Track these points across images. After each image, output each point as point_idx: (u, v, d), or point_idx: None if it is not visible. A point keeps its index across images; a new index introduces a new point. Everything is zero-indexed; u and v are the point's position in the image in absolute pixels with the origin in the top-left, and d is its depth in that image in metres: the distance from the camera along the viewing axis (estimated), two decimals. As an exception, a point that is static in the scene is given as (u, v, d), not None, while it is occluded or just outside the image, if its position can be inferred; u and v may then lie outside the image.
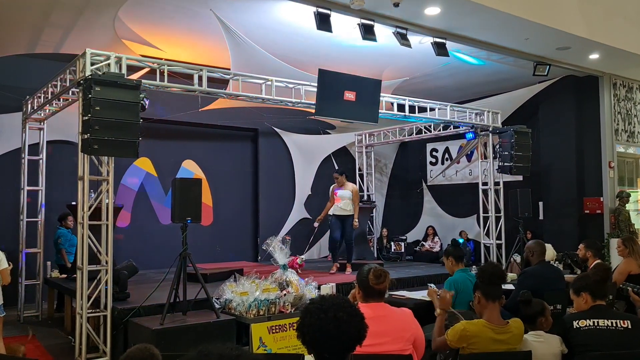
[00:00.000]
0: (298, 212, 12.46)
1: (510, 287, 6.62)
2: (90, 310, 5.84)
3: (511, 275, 7.89)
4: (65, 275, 8.30)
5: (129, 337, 5.82)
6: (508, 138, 9.65)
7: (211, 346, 1.06)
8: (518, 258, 9.46)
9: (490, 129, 10.12)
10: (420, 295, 5.93)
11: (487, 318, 3.54)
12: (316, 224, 9.51)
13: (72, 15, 7.34)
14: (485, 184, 10.36)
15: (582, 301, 3.73)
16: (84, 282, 5.81)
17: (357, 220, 8.92)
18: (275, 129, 12.16)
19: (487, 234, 10.24)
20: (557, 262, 7.52)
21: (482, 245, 10.36)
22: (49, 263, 8.67)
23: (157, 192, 10.84)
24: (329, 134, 12.89)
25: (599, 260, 6.22)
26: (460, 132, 10.67)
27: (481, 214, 10.34)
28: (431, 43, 8.27)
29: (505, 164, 9.66)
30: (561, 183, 11.15)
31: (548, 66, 9.54)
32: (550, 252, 7.19)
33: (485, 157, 10.46)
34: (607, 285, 3.82)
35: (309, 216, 12.53)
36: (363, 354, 2.48)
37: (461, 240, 10.88)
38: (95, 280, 5.94)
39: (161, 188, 10.86)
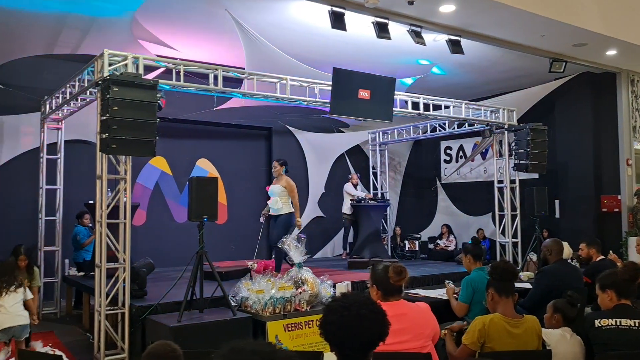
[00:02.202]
0: (312, 211, 12.48)
1: (526, 285, 6.61)
2: (109, 308, 5.90)
3: (528, 274, 7.86)
4: (83, 273, 8.41)
5: (147, 334, 5.87)
6: (524, 136, 9.59)
7: (243, 342, 1.07)
8: (534, 257, 9.39)
9: (506, 127, 10.06)
10: (437, 293, 5.92)
11: (501, 312, 3.55)
12: (262, 219, 8.67)
13: (89, 16, 7.41)
14: (500, 182, 10.30)
15: (606, 298, 3.70)
16: (102, 280, 5.88)
17: (299, 220, 8.07)
18: (289, 127, 12.19)
19: (503, 233, 10.18)
20: (574, 260, 7.46)
21: (497, 244, 10.30)
22: (67, 261, 8.77)
23: (172, 190, 10.92)
24: (343, 132, 12.89)
25: (602, 257, 6.19)
26: (475, 129, 10.62)
27: (497, 212, 10.28)
28: (446, 41, 8.25)
29: (521, 161, 9.60)
30: (578, 181, 11.05)
31: (564, 63, 9.46)
32: (567, 250, 7.14)
33: (501, 155, 10.40)
34: (634, 285, 3.76)
35: (322, 214, 12.56)
36: (384, 352, 2.49)
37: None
38: (113, 278, 6.01)
39: (176, 187, 10.94)
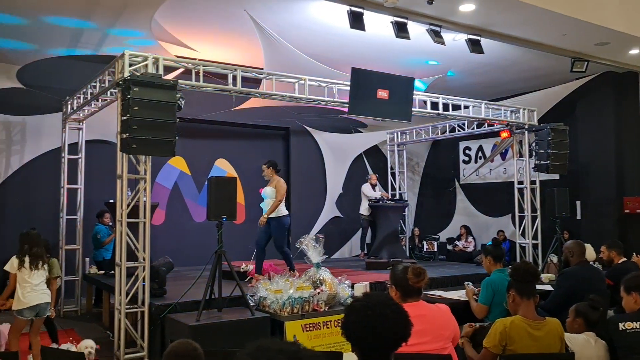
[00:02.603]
0: (329, 211, 12.49)
1: (547, 287, 6.53)
2: (129, 306, 5.96)
3: (549, 276, 7.76)
4: (103, 272, 8.50)
5: (166, 332, 5.92)
6: (544, 136, 9.48)
7: (269, 341, 1.07)
8: (555, 258, 9.28)
9: (526, 127, 9.95)
10: (456, 294, 5.86)
11: (522, 314, 3.51)
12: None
13: (111, 17, 7.49)
14: (520, 182, 10.19)
15: (631, 300, 3.64)
16: (123, 279, 5.93)
17: (264, 217, 7.59)
18: (307, 127, 12.21)
19: (523, 234, 10.07)
20: (596, 263, 7.34)
21: (517, 245, 10.18)
22: (87, 259, 8.88)
23: (191, 190, 11.00)
24: (361, 132, 12.87)
25: (624, 259, 6.09)
26: (495, 130, 10.52)
27: (516, 214, 10.18)
28: (465, 40, 8.17)
29: (542, 162, 9.49)
30: (600, 182, 10.88)
31: (586, 62, 9.31)
32: (590, 252, 7.04)
33: (521, 156, 10.29)
34: None
35: (340, 215, 12.56)
36: (405, 353, 2.47)
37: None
38: (133, 277, 6.06)
39: (195, 186, 11.01)
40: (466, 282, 5.70)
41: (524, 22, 7.88)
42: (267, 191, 7.73)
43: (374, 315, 2.04)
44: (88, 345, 5.57)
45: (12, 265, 5.33)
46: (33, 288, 5.33)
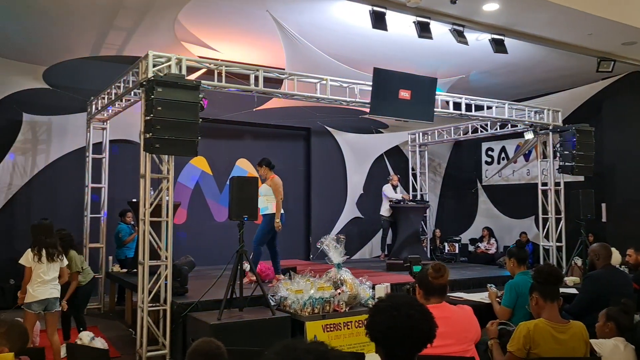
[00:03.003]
0: (350, 212, 12.46)
1: (572, 291, 6.42)
2: (151, 304, 6.01)
3: (573, 279, 7.64)
4: (125, 270, 8.59)
5: (188, 331, 5.95)
6: (570, 137, 9.33)
7: (296, 341, 1.06)
8: (579, 261, 9.12)
9: (551, 128, 9.81)
10: (479, 297, 5.80)
11: (546, 317, 3.46)
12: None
13: (135, 18, 7.58)
14: (544, 184, 10.05)
15: None
16: (145, 277, 5.98)
17: (277, 221, 7.56)
18: (328, 128, 12.20)
19: (547, 236, 9.93)
20: (622, 266, 7.20)
21: (541, 248, 10.04)
22: (110, 257, 8.99)
23: (212, 190, 11.07)
24: (382, 133, 12.82)
25: None
26: (519, 130, 10.39)
27: (540, 216, 10.03)
28: (489, 40, 8.10)
29: (567, 163, 9.34)
30: (626, 184, 10.67)
31: (613, 62, 9.15)
32: (616, 255, 6.91)
33: (545, 157, 10.14)
34: None
35: (361, 215, 12.52)
36: (428, 354, 2.45)
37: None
38: (156, 275, 6.11)
39: (216, 186, 11.09)
40: (489, 285, 5.65)
41: (549, 22, 7.77)
42: (262, 189, 7.59)
43: (399, 316, 2.03)
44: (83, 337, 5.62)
45: (27, 258, 5.34)
46: (44, 282, 5.35)
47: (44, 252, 5.37)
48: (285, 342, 1.09)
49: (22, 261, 5.36)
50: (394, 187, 11.33)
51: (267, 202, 7.63)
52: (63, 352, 5.49)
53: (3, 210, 9.04)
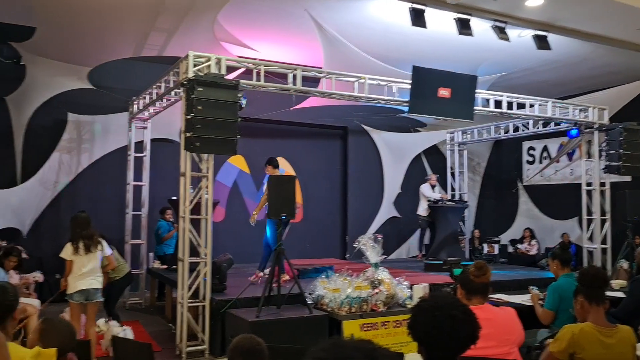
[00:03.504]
0: (387, 211, 12.39)
1: (618, 294, 6.21)
2: (191, 300, 6.10)
3: (620, 282, 7.38)
4: (165, 266, 8.75)
5: (227, 327, 6.03)
6: (616, 136, 9.04)
7: (344, 339, 1.05)
8: (626, 264, 8.83)
9: (596, 126, 9.53)
10: (520, 299, 5.67)
11: (592, 321, 3.34)
12: (253, 223, 7.75)
13: (176, 19, 7.71)
14: (589, 184, 9.77)
15: None
16: (185, 273, 6.08)
17: (254, 214, 7.57)
18: (365, 126, 12.15)
19: (591, 238, 9.64)
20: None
21: (584, 250, 9.77)
22: (151, 254, 9.18)
23: (250, 188, 11.17)
24: (420, 131, 12.69)
25: None
26: (562, 129, 10.13)
27: (584, 217, 9.75)
28: (532, 36, 7.93)
29: (613, 163, 9.05)
30: (676, 184, 10.28)
31: (662, 58, 8.83)
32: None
33: (590, 156, 9.85)
34: None
35: (398, 215, 12.43)
36: (470, 356, 2.41)
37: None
38: (195, 272, 6.20)
39: (253, 185, 11.17)
40: (531, 287, 5.51)
41: (595, 16, 7.55)
42: (265, 187, 7.34)
43: (442, 316, 2.01)
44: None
45: (66, 252, 5.48)
46: (83, 274, 5.46)
47: (81, 244, 5.49)
48: (332, 340, 1.08)
49: (62, 255, 5.52)
50: (432, 187, 11.20)
51: None
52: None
53: (49, 207, 9.32)
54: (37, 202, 9.16)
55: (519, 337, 3.12)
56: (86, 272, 5.49)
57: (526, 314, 5.01)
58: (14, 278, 6.83)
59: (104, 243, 5.76)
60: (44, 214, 9.26)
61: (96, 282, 5.59)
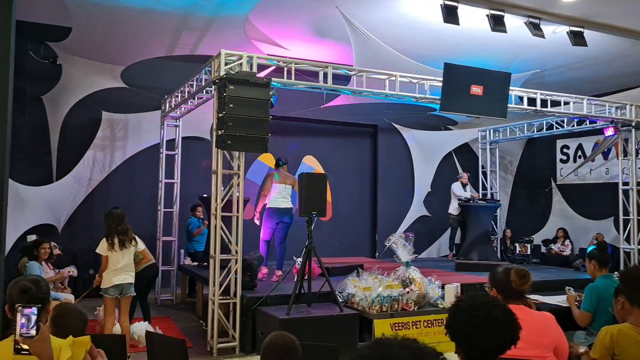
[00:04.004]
0: (417, 210, 12.29)
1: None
2: (222, 297, 6.14)
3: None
4: (196, 263, 8.84)
5: (257, 324, 6.05)
6: (655, 134, 8.79)
7: (388, 338, 1.04)
8: (664, 266, 8.58)
9: (634, 124, 9.27)
10: (556, 300, 5.56)
11: (632, 322, 3.25)
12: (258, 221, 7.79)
13: (207, 18, 7.77)
14: (626, 183, 9.52)
15: None
16: (217, 270, 6.12)
17: (256, 213, 7.73)
18: (395, 125, 12.07)
19: (627, 239, 9.40)
20: None
21: (621, 251, 9.52)
22: (182, 251, 9.28)
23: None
24: (451, 130, 12.54)
25: None
26: (597, 127, 9.89)
27: (620, 217, 9.52)
28: (567, 32, 7.75)
29: (651, 162, 8.80)
30: None
31: None
32: None
33: (626, 155, 9.60)
34: None
35: (428, 214, 12.32)
36: (506, 358, 2.37)
37: (591, 247, 10.01)
38: (226, 269, 6.24)
39: (283, 183, 11.17)
40: (567, 287, 5.40)
41: (632, 12, 7.35)
42: (288, 187, 7.73)
43: (481, 316, 1.97)
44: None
45: (102, 247, 5.58)
46: (118, 269, 5.56)
47: (116, 240, 5.59)
48: (378, 338, 1.07)
49: (98, 250, 5.62)
50: (464, 186, 11.07)
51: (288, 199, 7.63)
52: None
53: (83, 203, 9.50)
54: (72, 198, 9.35)
55: (553, 342, 3.00)
56: (121, 267, 5.58)
57: (563, 316, 4.92)
58: (49, 272, 7.01)
59: (138, 238, 5.85)
60: (78, 211, 9.44)
61: (130, 277, 5.68)
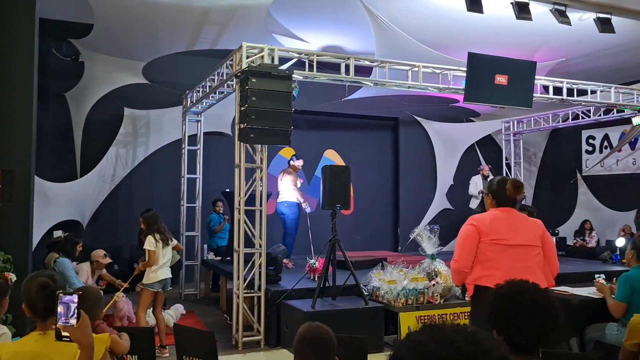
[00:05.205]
0: (439, 203, 12.18)
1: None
2: (246, 291, 6.14)
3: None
4: (219, 258, 8.86)
5: (282, 318, 6.03)
6: (685, 122, 8.56)
7: (439, 324, 0.99)
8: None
9: (663, 113, 9.05)
10: (586, 291, 5.44)
11: None
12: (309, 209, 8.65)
13: (228, 12, 7.74)
14: (654, 174, 9.31)
15: None
16: (241, 264, 6.11)
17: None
18: (417, 117, 11.96)
19: (657, 230, 9.19)
20: None
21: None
22: (205, 245, 9.31)
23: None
24: (473, 121, 12.39)
25: None
26: (625, 116, 9.67)
27: (649, 208, 9.31)
28: (593, 19, 7.56)
29: (681, 151, 8.58)
30: None
31: None
32: None
33: (655, 144, 9.39)
34: None
35: (450, 207, 12.19)
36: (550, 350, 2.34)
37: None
38: (250, 263, 6.23)
39: (304, 177, 11.15)
40: (597, 275, 5.27)
41: (664, -4, 7.14)
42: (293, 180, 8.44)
43: (524, 302, 1.93)
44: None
45: (149, 243, 5.71)
46: (162, 264, 5.72)
47: (159, 237, 5.74)
48: (427, 324, 1.02)
49: (146, 246, 5.74)
50: (485, 178, 10.90)
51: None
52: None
53: (107, 199, 9.58)
54: (96, 195, 9.43)
55: (542, 233, 3.49)
56: (164, 262, 5.75)
57: (595, 307, 4.82)
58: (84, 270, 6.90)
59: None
60: (102, 207, 9.52)
61: (170, 272, 5.85)
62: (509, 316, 1.93)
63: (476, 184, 10.75)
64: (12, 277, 3.38)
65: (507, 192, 3.41)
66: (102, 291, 4.12)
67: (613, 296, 4.70)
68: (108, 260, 6.89)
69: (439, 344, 0.94)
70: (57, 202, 8.75)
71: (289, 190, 8.25)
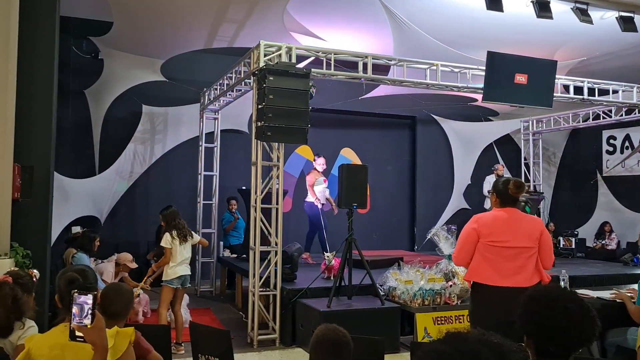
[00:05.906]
0: (457, 202, 12.08)
1: None
2: (262, 289, 6.14)
3: None
4: (235, 255, 8.89)
5: (297, 317, 6.02)
6: None
7: (462, 332, 0.96)
8: None
9: (686, 113, 8.87)
10: (608, 294, 5.35)
11: None
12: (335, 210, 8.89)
13: (246, 10, 7.75)
14: (677, 175, 9.13)
15: None
16: (257, 262, 6.12)
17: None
18: (434, 116, 11.88)
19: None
20: None
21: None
22: (221, 243, 9.34)
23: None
24: (491, 120, 12.26)
25: None
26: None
27: (671, 210, 9.14)
28: (616, 18, 7.44)
29: None
30: None
31: None
32: None
33: (679, 145, 9.20)
34: None
35: (467, 206, 12.08)
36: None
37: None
38: (266, 261, 6.23)
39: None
40: (610, 292, 5.20)
41: (689, -6, 6.99)
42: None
43: (556, 308, 1.87)
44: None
45: (166, 240, 5.78)
46: (181, 261, 5.77)
47: (177, 234, 5.79)
48: (451, 332, 0.99)
49: (162, 243, 5.81)
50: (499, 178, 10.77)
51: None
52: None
53: (125, 196, 9.65)
54: (114, 191, 9.51)
55: (540, 233, 3.68)
56: (183, 259, 5.79)
57: (618, 311, 4.74)
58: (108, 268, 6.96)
59: (192, 232, 6.09)
60: (120, 203, 9.60)
61: (189, 269, 5.91)
62: (539, 321, 1.88)
63: (490, 184, 10.62)
64: (36, 273, 3.41)
65: (509, 191, 3.65)
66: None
67: (634, 301, 4.61)
68: (134, 265, 6.99)
69: (463, 357, 0.91)
70: (75, 198, 8.84)
71: (309, 190, 8.55)
